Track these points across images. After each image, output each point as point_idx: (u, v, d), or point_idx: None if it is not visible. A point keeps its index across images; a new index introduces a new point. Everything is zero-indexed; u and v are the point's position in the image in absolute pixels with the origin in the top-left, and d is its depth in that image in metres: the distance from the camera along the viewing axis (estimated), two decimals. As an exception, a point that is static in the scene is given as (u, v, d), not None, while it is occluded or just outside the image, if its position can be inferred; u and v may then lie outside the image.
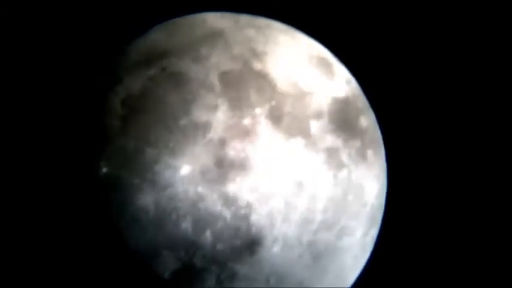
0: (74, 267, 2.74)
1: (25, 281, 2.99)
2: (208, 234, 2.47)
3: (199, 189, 2.46)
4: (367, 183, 2.80)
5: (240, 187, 2.48)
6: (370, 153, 2.84)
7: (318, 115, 2.68)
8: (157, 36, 2.80)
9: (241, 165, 2.48)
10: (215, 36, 2.73)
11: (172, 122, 2.51)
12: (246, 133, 2.52)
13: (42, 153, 2.85)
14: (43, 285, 2.91)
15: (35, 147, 2.92)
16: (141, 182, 2.47)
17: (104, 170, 2.53)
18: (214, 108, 2.53)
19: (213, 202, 2.46)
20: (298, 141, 2.59)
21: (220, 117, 2.52)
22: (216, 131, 2.50)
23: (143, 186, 2.47)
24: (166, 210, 2.46)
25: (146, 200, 2.47)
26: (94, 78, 2.79)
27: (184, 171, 2.46)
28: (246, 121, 2.53)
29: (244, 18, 2.91)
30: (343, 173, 2.68)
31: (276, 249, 2.56)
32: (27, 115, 3.10)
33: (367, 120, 2.90)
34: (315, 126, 2.65)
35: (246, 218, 2.49)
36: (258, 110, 2.56)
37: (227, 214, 2.48)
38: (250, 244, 2.52)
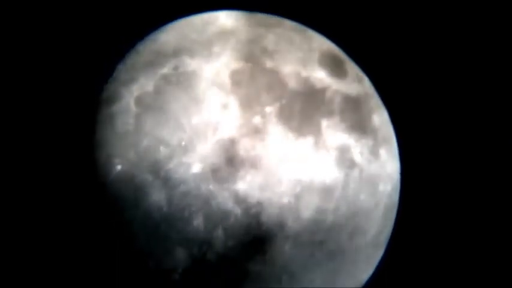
0: (86, 264, 2.79)
1: (34, 278, 3.05)
2: (220, 231, 2.49)
3: (211, 186, 2.48)
4: (380, 182, 2.77)
5: (250, 185, 2.48)
6: (382, 151, 2.81)
7: (330, 113, 2.66)
8: (169, 35, 2.82)
9: (251, 164, 2.49)
10: (227, 35, 2.74)
11: (185, 120, 2.54)
12: (257, 131, 2.52)
13: (56, 151, 2.91)
14: (52, 281, 2.97)
15: (48, 145, 2.99)
16: (154, 179, 2.50)
17: (118, 167, 2.57)
18: (225, 106, 2.54)
19: (224, 200, 2.48)
20: (309, 140, 2.58)
21: (231, 116, 2.53)
22: (227, 129, 2.51)
23: (156, 183, 2.50)
24: (178, 207, 2.49)
25: (159, 196, 2.50)
26: (108, 77, 2.83)
27: (196, 169, 2.49)
28: (257, 119, 2.54)
29: (256, 17, 2.90)
30: (355, 172, 2.66)
31: (287, 247, 2.56)
32: (41, 114, 3.16)
33: (380, 118, 2.87)
34: (326, 125, 2.63)
35: (257, 216, 2.50)
36: (268, 109, 2.56)
37: (238, 212, 2.49)
38: (261, 242, 2.53)
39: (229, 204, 2.48)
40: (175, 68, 2.66)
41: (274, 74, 2.64)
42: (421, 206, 3.43)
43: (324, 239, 2.61)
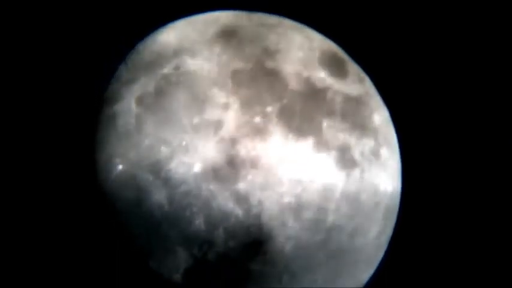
0: (87, 264, 2.80)
1: (35, 278, 3.05)
2: (220, 231, 2.49)
3: (212, 186, 2.48)
4: (381, 182, 2.76)
5: (251, 185, 2.48)
6: (383, 151, 2.80)
7: (330, 113, 2.66)
8: (170, 35, 2.82)
9: (252, 164, 2.49)
10: (228, 35, 2.74)
11: (186, 120, 2.54)
12: (258, 131, 2.52)
13: (57, 151, 2.91)
14: (52, 281, 2.97)
15: (49, 145, 2.99)
16: (155, 179, 2.51)
17: (119, 167, 2.57)
18: (226, 106, 2.54)
19: (225, 200, 2.48)
20: (310, 140, 2.58)
21: (232, 116, 2.53)
22: (228, 129, 2.51)
23: (157, 183, 2.50)
24: (180, 207, 2.49)
25: (160, 196, 2.50)
26: (108, 77, 2.83)
27: (197, 169, 2.49)
28: (258, 119, 2.54)
29: (257, 17, 2.90)
30: (356, 172, 2.66)
31: (288, 248, 2.56)
32: (42, 115, 3.17)
33: (381, 118, 2.86)
34: (327, 125, 2.63)
35: (258, 216, 2.50)
36: (269, 109, 2.56)
37: (239, 212, 2.49)
38: (262, 242, 2.53)
39: (230, 204, 2.48)
40: (176, 68, 2.66)
41: (275, 74, 2.64)
42: (422, 206, 3.43)
43: (324, 239, 2.60)
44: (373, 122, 2.81)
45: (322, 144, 2.59)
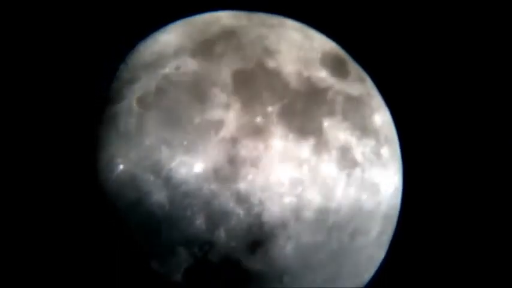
0: (87, 264, 2.79)
1: (35, 278, 3.05)
2: (221, 231, 2.49)
3: (213, 186, 2.48)
4: (382, 182, 2.76)
5: (252, 185, 2.48)
6: (384, 151, 2.81)
7: (331, 113, 2.66)
8: (171, 35, 2.82)
9: (253, 164, 2.49)
10: (228, 35, 2.74)
11: (187, 120, 2.54)
12: (258, 131, 2.52)
13: (58, 151, 2.91)
14: (52, 281, 2.97)
15: (49, 145, 2.99)
16: (155, 178, 2.50)
17: (120, 167, 2.57)
18: (227, 106, 2.54)
19: (226, 200, 2.48)
20: (311, 140, 2.58)
21: (232, 116, 2.53)
22: (229, 129, 2.51)
23: (158, 183, 2.50)
24: (180, 206, 2.48)
25: (161, 196, 2.50)
26: (109, 77, 2.83)
27: (198, 169, 2.49)
28: (259, 119, 2.54)
29: (257, 17, 2.91)
30: (357, 172, 2.66)
31: (289, 248, 2.56)
32: (42, 115, 3.17)
33: (382, 118, 2.86)
34: (328, 125, 2.63)
35: (259, 216, 2.50)
36: (270, 109, 2.56)
37: (240, 212, 2.49)
38: (263, 242, 2.53)
39: (231, 204, 2.48)
40: (177, 68, 2.66)
41: (276, 73, 2.64)
42: (423, 207, 3.43)
43: (325, 239, 2.60)
44: (374, 122, 2.81)
45: (322, 144, 2.60)
